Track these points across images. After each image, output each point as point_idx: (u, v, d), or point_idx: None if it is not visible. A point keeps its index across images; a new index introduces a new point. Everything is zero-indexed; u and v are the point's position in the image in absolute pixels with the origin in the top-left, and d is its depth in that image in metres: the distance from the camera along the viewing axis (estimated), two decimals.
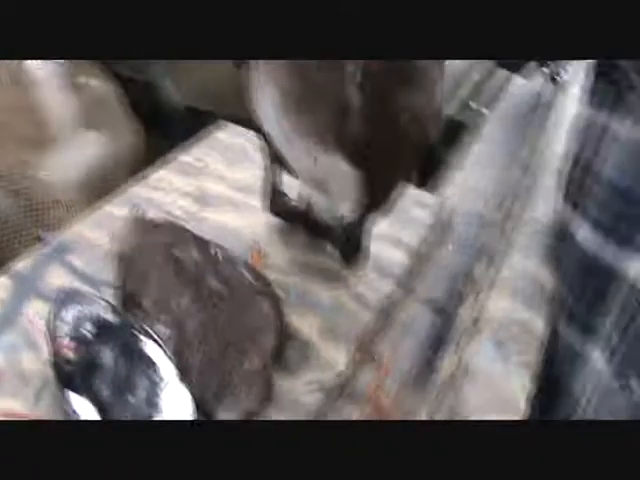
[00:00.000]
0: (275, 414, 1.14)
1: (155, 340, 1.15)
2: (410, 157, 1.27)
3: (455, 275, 1.60)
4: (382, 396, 1.27)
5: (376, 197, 1.32)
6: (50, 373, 1.15)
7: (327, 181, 1.30)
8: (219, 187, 1.71)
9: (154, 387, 1.08)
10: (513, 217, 1.75)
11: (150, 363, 1.11)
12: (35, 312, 1.26)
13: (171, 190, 1.67)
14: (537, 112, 2.30)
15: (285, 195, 1.55)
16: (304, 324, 1.31)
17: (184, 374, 1.11)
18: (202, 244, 1.34)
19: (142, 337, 1.15)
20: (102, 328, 1.15)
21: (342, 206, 1.36)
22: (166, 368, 1.11)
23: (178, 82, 2.68)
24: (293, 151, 1.26)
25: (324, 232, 1.50)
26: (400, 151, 1.22)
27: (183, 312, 1.21)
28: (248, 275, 1.29)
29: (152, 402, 1.07)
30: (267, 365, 1.18)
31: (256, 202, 1.59)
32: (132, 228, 1.38)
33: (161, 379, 1.09)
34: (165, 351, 1.14)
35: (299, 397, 1.19)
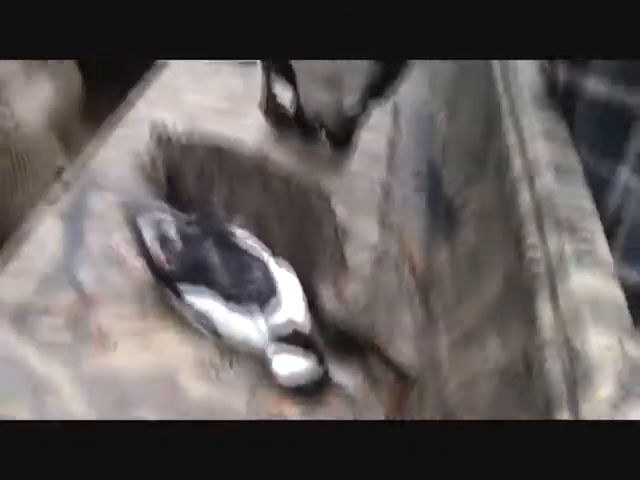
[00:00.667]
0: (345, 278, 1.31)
1: (241, 231, 1.29)
2: None
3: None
4: (415, 259, 1.53)
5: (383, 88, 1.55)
6: (147, 288, 1.28)
7: (342, 76, 1.48)
8: (202, 100, 1.84)
9: (263, 265, 1.22)
10: None
11: (248, 247, 1.24)
12: (117, 238, 1.37)
13: (159, 108, 1.77)
14: None
15: (277, 98, 1.70)
16: None
17: (274, 252, 1.26)
18: (240, 147, 1.48)
19: (229, 229, 1.28)
20: (184, 230, 1.27)
21: (347, 100, 1.55)
22: (262, 251, 1.25)
23: None
24: None
25: (314, 131, 1.69)
26: None
27: (255, 203, 1.36)
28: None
29: (267, 277, 1.20)
30: (337, 233, 1.36)
31: (241, 110, 1.77)
32: (169, 142, 1.49)
33: (263, 258, 1.23)
34: (253, 238, 1.28)
35: (354, 262, 1.38)
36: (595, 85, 1.28)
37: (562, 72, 1.35)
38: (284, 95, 1.68)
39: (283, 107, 1.71)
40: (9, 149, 1.86)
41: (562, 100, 1.36)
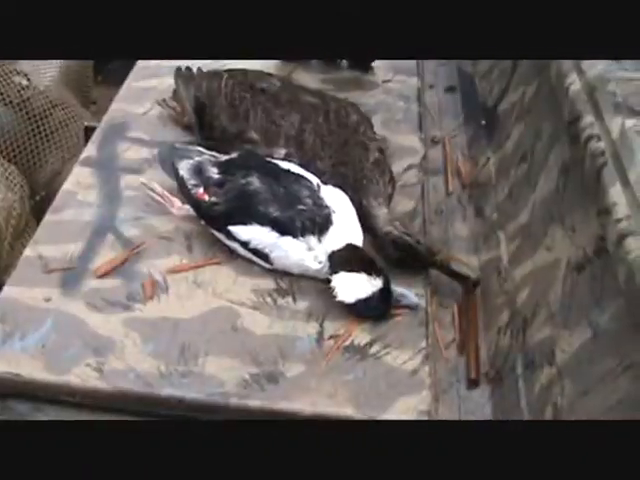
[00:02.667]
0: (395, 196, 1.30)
1: (284, 159, 1.26)
2: None
3: None
4: (462, 170, 1.50)
5: None
6: (190, 226, 1.26)
7: None
8: None
9: (313, 192, 1.19)
10: None
11: (294, 176, 1.21)
12: (149, 179, 1.33)
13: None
14: None
15: None
16: None
17: (322, 178, 1.23)
18: (270, 75, 1.45)
19: (271, 160, 1.25)
20: (225, 167, 1.24)
21: None
22: (310, 179, 1.21)
23: None
24: None
25: None
26: None
27: (295, 131, 1.31)
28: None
29: (319, 203, 1.17)
30: (383, 153, 1.31)
31: None
32: (195, 81, 1.45)
33: (312, 184, 1.20)
34: (297, 163, 1.25)
35: (402, 177, 1.37)
36: None
37: None
38: None
39: None
40: (31, 115, 1.82)
41: None
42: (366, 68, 1.67)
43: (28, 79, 1.89)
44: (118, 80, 1.69)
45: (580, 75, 1.15)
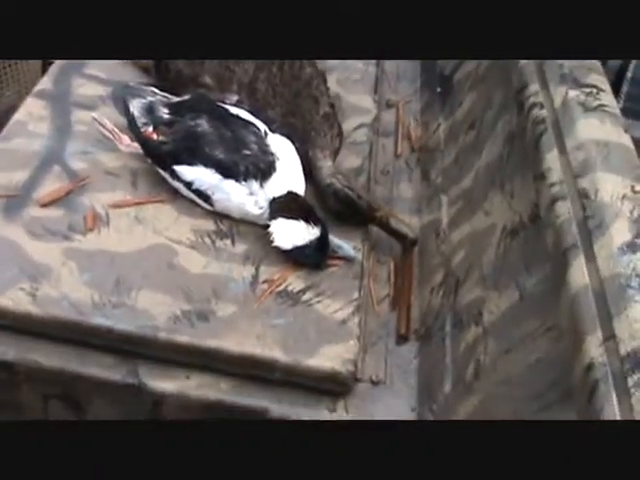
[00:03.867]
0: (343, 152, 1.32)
1: (234, 104, 1.27)
2: None
3: None
4: (413, 132, 1.52)
5: None
6: (136, 163, 1.26)
7: None
8: None
9: (260, 138, 1.20)
10: None
11: (243, 121, 1.22)
12: (101, 115, 1.31)
13: None
14: None
15: None
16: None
17: (270, 127, 1.24)
18: None
19: (222, 105, 1.26)
20: (176, 109, 1.25)
21: None
22: (258, 125, 1.22)
23: None
24: None
25: None
26: None
27: (249, 78, 1.32)
28: None
29: (265, 150, 1.19)
30: (334, 108, 1.33)
31: None
32: None
33: (260, 131, 1.21)
34: (247, 110, 1.25)
35: (351, 135, 1.39)
36: None
37: None
38: None
39: None
40: None
41: None
42: None
43: None
44: None
45: None
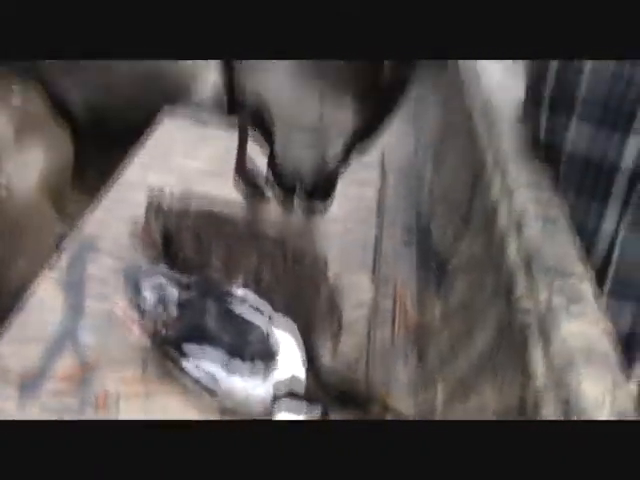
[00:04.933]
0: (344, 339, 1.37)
1: (240, 290, 1.33)
2: None
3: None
4: (409, 313, 1.59)
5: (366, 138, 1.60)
6: (148, 353, 1.30)
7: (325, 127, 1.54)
8: (194, 164, 1.91)
9: (264, 328, 1.26)
10: None
11: (248, 308, 1.28)
12: (123, 303, 1.35)
13: (153, 175, 1.83)
14: None
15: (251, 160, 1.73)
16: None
17: (274, 312, 1.30)
18: (234, 213, 1.55)
19: (227, 293, 1.32)
20: (185, 292, 1.31)
21: (329, 152, 1.60)
22: (262, 310, 1.29)
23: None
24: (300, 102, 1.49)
25: (291, 190, 1.69)
26: None
27: (253, 264, 1.41)
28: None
29: (269, 341, 1.24)
30: (334, 292, 1.41)
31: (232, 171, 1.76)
32: (165, 210, 1.54)
33: (265, 319, 1.27)
34: (253, 296, 1.32)
35: (350, 319, 1.43)
36: (577, 134, 1.33)
37: (543, 122, 1.40)
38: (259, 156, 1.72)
39: (255, 170, 1.75)
40: (4, 216, 1.89)
41: (545, 150, 1.40)
42: (323, 201, 1.73)
43: (8, 187, 1.96)
44: (93, 189, 1.77)
45: (518, 236, 1.24)
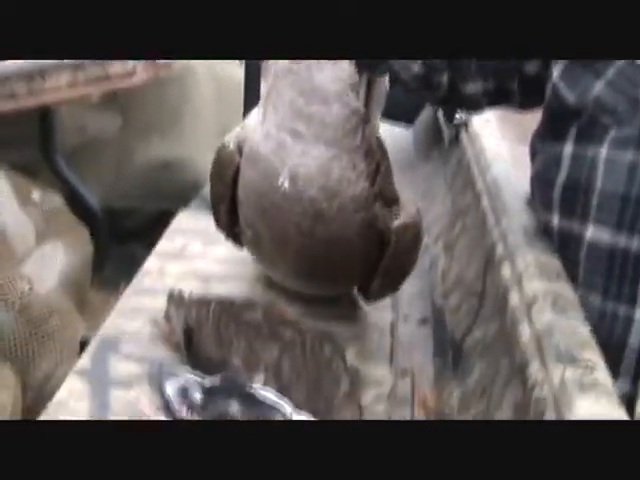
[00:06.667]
0: None
1: (262, 388, 1.35)
2: None
3: None
4: (428, 400, 1.60)
5: None
6: None
7: None
8: (211, 265, 1.92)
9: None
10: None
11: (269, 406, 1.31)
12: (138, 394, 1.41)
13: (172, 276, 1.84)
14: None
15: None
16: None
17: (295, 408, 1.32)
18: (254, 305, 1.55)
19: (251, 391, 1.34)
20: (208, 391, 1.34)
21: None
22: (283, 404, 1.32)
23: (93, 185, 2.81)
24: None
25: None
26: None
27: (273, 359, 1.42)
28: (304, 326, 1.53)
29: None
30: (354, 385, 1.41)
31: (249, 271, 1.86)
32: (186, 306, 1.56)
33: (286, 414, 1.30)
34: (274, 393, 1.34)
35: (370, 407, 1.45)
36: (595, 232, 1.36)
37: (555, 219, 1.45)
38: None
39: None
40: (27, 316, 1.94)
41: (559, 244, 1.45)
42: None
43: (31, 284, 2.01)
44: (112, 286, 1.81)
45: (530, 323, 1.28)
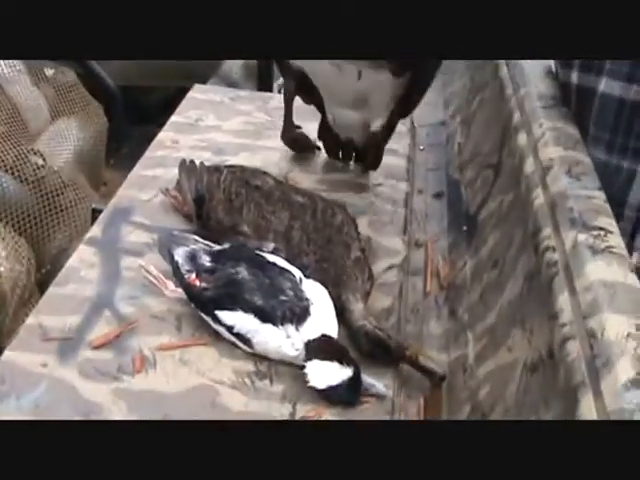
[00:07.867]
0: (374, 294, 1.40)
1: (272, 253, 1.36)
2: None
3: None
4: (441, 271, 1.59)
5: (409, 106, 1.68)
6: (181, 308, 1.35)
7: (368, 95, 1.58)
8: (225, 137, 1.92)
9: (295, 285, 1.29)
10: None
11: (279, 269, 1.31)
12: (148, 262, 1.43)
13: (186, 147, 1.85)
14: None
15: (299, 127, 1.80)
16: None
17: (305, 272, 1.32)
18: (265, 173, 1.56)
19: (260, 253, 1.35)
20: (217, 257, 1.34)
21: (375, 122, 1.66)
22: (293, 270, 1.32)
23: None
24: (340, 75, 1.53)
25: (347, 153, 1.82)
26: None
27: (284, 226, 1.43)
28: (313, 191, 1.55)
29: (300, 296, 1.27)
30: (364, 251, 1.42)
31: (262, 143, 1.87)
32: (197, 174, 1.57)
33: (295, 277, 1.30)
34: (283, 257, 1.35)
35: (382, 276, 1.47)
36: (607, 86, 1.36)
37: (574, 75, 1.41)
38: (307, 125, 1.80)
39: (304, 135, 1.82)
40: (41, 191, 1.93)
41: (575, 101, 1.42)
42: (372, 167, 1.79)
43: (44, 159, 2.00)
44: (128, 165, 1.80)
45: (544, 190, 1.25)
